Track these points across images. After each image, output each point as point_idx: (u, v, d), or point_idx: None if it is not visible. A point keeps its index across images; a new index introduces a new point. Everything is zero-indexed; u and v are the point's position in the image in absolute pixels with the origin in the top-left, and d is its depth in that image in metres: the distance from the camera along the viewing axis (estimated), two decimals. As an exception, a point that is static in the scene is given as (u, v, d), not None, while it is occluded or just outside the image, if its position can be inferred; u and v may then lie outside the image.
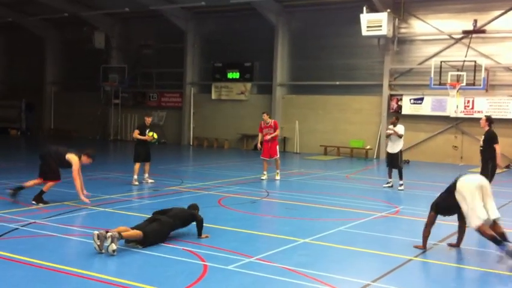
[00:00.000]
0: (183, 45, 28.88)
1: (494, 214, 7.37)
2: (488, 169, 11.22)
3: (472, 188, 7.35)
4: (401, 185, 14.02)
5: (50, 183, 10.33)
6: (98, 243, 6.94)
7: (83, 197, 10.25)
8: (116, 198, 11.28)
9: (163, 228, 7.65)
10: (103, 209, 10.14)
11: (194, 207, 8.54)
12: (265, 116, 14.89)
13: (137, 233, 7.29)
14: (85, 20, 29.82)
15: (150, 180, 13.62)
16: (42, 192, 10.27)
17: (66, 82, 34.22)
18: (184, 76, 29.08)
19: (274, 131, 14.95)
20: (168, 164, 18.75)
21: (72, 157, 10.22)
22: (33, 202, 10.18)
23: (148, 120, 13.60)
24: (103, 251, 6.94)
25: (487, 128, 11.39)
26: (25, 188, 10.46)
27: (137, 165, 13.37)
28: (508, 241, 7.33)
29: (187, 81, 29.02)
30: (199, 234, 7.98)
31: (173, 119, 29.71)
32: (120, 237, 7.05)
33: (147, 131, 13.37)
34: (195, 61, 29.20)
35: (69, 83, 33.88)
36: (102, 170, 15.83)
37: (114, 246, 6.87)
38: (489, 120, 11.39)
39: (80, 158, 10.33)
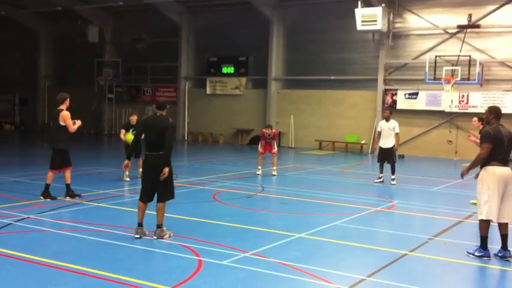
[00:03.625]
0: (177, 39, 28.77)
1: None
2: None
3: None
4: (394, 179, 14.02)
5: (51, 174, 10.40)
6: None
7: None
8: (110, 193, 11.24)
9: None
10: (97, 204, 10.10)
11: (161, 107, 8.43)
12: (268, 130, 15.28)
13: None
14: (78, 14, 29.63)
15: None
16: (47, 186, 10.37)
17: (59, 76, 34.04)
18: (178, 70, 28.97)
19: (274, 139, 15.38)
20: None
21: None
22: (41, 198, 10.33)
23: (133, 118, 13.41)
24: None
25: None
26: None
27: (127, 162, 13.26)
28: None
29: (182, 75, 28.92)
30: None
31: (168, 113, 29.35)
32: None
33: (131, 130, 13.15)
34: (189, 55, 29.08)
35: (63, 77, 33.69)
36: (96, 165, 15.77)
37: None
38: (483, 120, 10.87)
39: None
